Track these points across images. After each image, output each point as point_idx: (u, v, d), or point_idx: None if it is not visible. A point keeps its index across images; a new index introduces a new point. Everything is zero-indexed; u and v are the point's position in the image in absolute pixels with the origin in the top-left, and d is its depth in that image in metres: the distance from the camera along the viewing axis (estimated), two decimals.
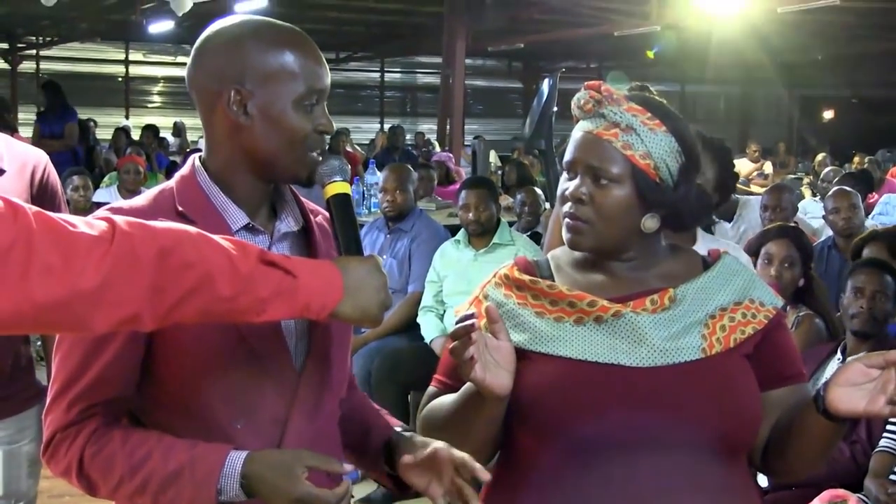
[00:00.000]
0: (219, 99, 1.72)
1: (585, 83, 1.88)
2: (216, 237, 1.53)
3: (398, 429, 1.93)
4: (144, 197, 1.80)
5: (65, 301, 1.35)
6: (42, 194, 2.95)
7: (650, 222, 1.85)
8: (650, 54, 14.85)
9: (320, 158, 1.77)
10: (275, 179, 1.80)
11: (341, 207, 1.75)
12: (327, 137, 1.80)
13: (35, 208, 1.37)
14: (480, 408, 1.79)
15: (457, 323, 1.71)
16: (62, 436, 1.70)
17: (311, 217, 1.88)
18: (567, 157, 1.86)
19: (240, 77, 1.70)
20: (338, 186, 1.76)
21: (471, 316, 1.69)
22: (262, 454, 1.66)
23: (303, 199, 1.90)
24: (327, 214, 1.88)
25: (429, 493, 1.78)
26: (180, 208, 1.74)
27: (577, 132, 1.87)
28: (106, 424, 1.70)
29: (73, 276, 1.35)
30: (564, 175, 1.88)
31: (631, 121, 1.82)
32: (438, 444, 1.76)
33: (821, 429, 1.76)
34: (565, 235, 1.87)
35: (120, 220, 1.45)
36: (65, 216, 1.41)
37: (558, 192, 1.89)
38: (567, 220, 1.85)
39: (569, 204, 1.85)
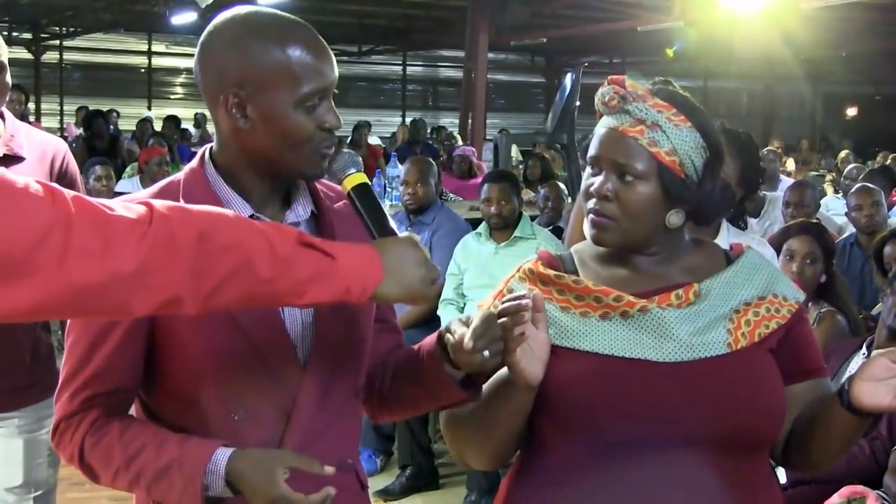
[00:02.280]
0: (219, 100, 1.70)
1: (609, 78, 1.86)
2: (254, 221, 1.53)
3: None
4: (151, 189, 1.80)
5: (103, 285, 1.35)
6: (61, 182, 2.96)
7: (675, 218, 1.84)
8: (670, 52, 14.76)
9: (331, 152, 1.75)
10: (282, 176, 1.78)
11: (363, 196, 1.73)
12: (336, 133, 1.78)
13: (73, 192, 1.37)
14: (509, 398, 1.78)
15: (505, 301, 1.70)
16: (66, 424, 1.74)
17: (328, 203, 1.86)
18: (591, 152, 1.85)
19: (238, 81, 1.67)
20: (354, 178, 1.74)
21: (522, 296, 1.69)
22: (245, 453, 1.66)
23: (329, 184, 1.88)
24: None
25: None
26: (182, 201, 1.72)
27: (602, 128, 1.85)
28: (107, 415, 1.72)
29: (112, 260, 1.35)
30: (588, 170, 1.87)
31: (656, 117, 1.80)
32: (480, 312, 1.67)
33: (844, 423, 1.77)
34: (589, 231, 1.86)
35: (158, 203, 1.45)
36: (103, 200, 1.42)
37: (582, 188, 1.88)
38: (592, 216, 1.84)
39: (593, 200, 1.83)
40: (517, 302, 1.69)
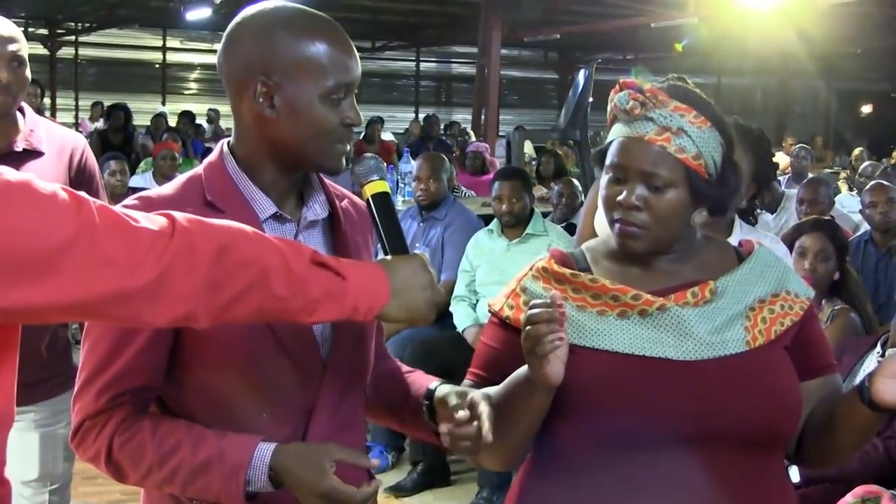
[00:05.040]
0: (246, 89, 1.70)
1: (621, 82, 1.84)
2: (271, 237, 1.54)
3: (433, 385, 1.88)
4: (173, 184, 1.80)
5: (124, 294, 1.37)
6: (80, 177, 2.98)
7: (699, 217, 1.85)
8: (678, 47, 14.72)
9: (348, 149, 1.76)
10: (301, 169, 1.79)
11: (382, 207, 1.74)
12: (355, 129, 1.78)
13: (99, 202, 1.39)
14: (528, 398, 1.77)
15: (532, 306, 1.70)
16: (91, 423, 1.71)
17: (338, 203, 1.87)
18: (615, 161, 1.83)
19: (267, 69, 1.68)
20: (376, 186, 1.74)
21: (551, 303, 1.69)
22: (290, 447, 1.67)
23: (330, 183, 1.89)
24: (355, 199, 1.88)
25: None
26: (209, 197, 1.74)
27: (624, 137, 1.83)
28: (135, 413, 1.70)
29: (134, 270, 1.37)
30: (606, 178, 1.85)
31: (681, 122, 1.79)
32: (476, 396, 1.71)
33: (862, 419, 1.78)
34: (618, 241, 1.85)
35: (180, 216, 1.46)
36: (127, 210, 1.43)
37: (604, 197, 1.86)
38: (620, 226, 1.83)
39: (620, 210, 1.82)
40: (550, 310, 1.69)
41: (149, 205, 1.68)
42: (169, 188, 1.79)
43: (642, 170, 1.80)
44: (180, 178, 1.81)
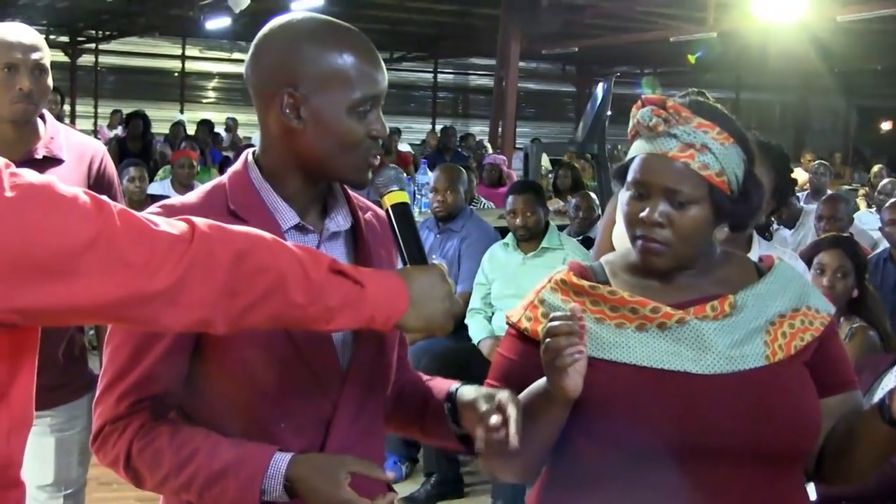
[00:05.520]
0: (273, 100, 1.70)
1: (643, 98, 1.84)
2: (289, 244, 1.54)
3: (454, 388, 1.87)
4: (196, 193, 1.80)
5: (143, 298, 1.38)
6: (99, 185, 2.99)
7: (720, 233, 1.86)
8: (692, 59, 14.71)
9: (376, 162, 1.76)
10: (326, 180, 1.79)
11: (402, 217, 1.74)
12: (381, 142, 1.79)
13: (119, 206, 1.40)
14: (546, 411, 1.77)
15: (552, 319, 1.70)
16: (111, 428, 1.71)
17: (361, 214, 1.87)
18: (637, 177, 1.82)
19: (294, 80, 1.68)
20: (396, 196, 1.74)
21: (571, 316, 1.69)
22: (306, 457, 1.66)
23: (354, 195, 1.89)
24: (378, 210, 1.88)
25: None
26: (232, 207, 1.74)
27: (647, 153, 1.82)
28: (154, 419, 1.71)
29: (153, 274, 1.37)
30: (627, 194, 1.84)
31: (704, 139, 1.78)
32: (503, 398, 1.70)
33: (883, 437, 1.76)
34: (640, 257, 1.84)
35: (200, 221, 1.46)
36: (147, 215, 1.44)
37: (625, 213, 1.85)
38: (642, 242, 1.82)
39: (642, 226, 1.81)
40: (569, 322, 1.68)
41: (172, 213, 1.68)
42: (192, 196, 1.79)
43: (665, 186, 1.79)
44: (205, 187, 1.82)
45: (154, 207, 1.74)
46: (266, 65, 1.72)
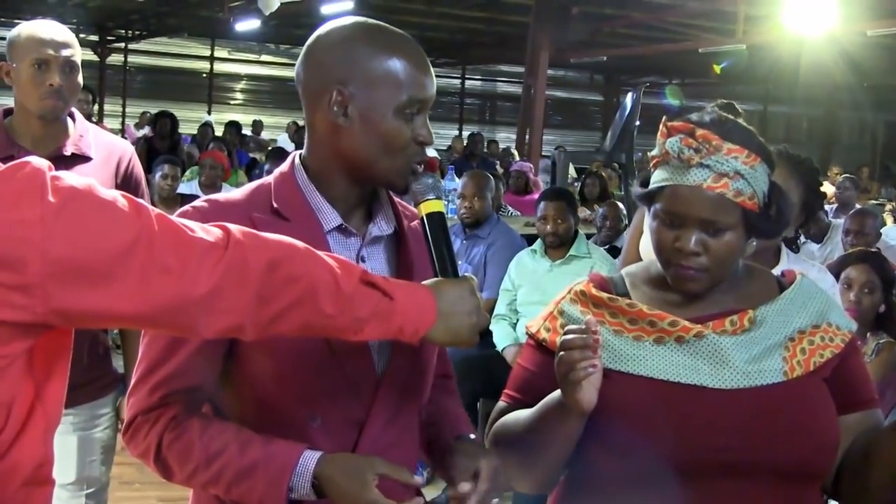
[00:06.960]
0: (321, 98, 1.72)
1: (670, 126, 1.81)
2: (322, 253, 1.55)
3: (454, 441, 1.89)
4: (242, 191, 1.82)
5: (179, 304, 1.39)
6: (126, 185, 3.00)
7: (750, 248, 1.85)
8: (717, 69, 14.65)
9: (420, 169, 1.76)
10: (371, 183, 1.80)
11: (436, 227, 1.73)
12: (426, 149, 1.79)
13: (157, 210, 1.41)
14: (561, 423, 1.77)
15: (567, 332, 1.70)
16: (143, 419, 1.72)
17: (406, 221, 1.87)
18: (672, 209, 1.80)
19: (344, 78, 1.70)
20: (432, 205, 1.74)
21: (586, 329, 1.69)
22: (335, 457, 1.66)
23: (401, 202, 1.90)
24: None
25: None
26: (275, 205, 1.75)
27: (679, 185, 1.78)
28: (186, 412, 1.71)
29: (189, 280, 1.38)
30: (656, 222, 1.83)
31: (736, 166, 1.77)
32: (483, 468, 1.75)
33: None
34: (674, 282, 1.83)
35: (234, 228, 1.47)
36: (183, 220, 1.45)
37: (656, 241, 1.84)
38: (680, 270, 1.81)
39: (678, 255, 1.80)
40: (584, 336, 1.68)
41: (217, 208, 1.72)
42: (237, 193, 1.81)
43: (703, 218, 1.78)
44: (250, 185, 1.83)
45: (200, 202, 1.75)
46: (317, 63, 1.74)
